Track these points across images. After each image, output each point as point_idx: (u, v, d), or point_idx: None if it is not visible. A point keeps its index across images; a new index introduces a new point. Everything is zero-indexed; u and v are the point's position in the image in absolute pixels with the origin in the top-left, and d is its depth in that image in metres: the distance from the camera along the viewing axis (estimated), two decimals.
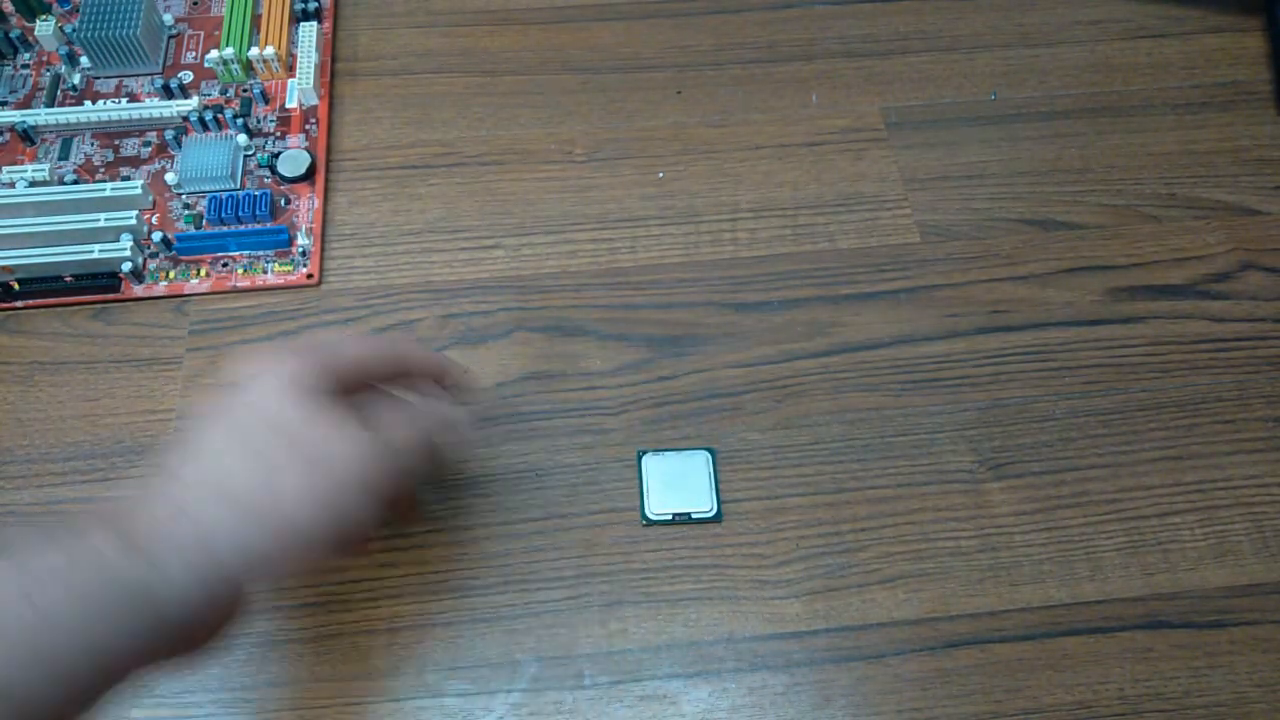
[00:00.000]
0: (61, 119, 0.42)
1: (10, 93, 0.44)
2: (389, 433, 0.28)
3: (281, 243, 0.41)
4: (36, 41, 0.45)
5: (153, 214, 0.41)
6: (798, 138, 0.44)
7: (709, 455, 0.36)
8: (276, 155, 0.42)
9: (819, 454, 0.36)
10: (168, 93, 0.44)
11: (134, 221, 0.40)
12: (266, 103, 0.44)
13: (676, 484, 0.35)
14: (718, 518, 0.35)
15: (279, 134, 0.43)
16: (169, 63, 0.45)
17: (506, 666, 0.32)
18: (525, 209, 0.42)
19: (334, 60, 0.46)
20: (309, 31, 0.45)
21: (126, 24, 0.43)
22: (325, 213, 0.42)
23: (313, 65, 0.45)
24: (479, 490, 0.36)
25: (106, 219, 0.39)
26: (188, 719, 0.32)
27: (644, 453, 0.36)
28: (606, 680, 0.32)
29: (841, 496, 0.35)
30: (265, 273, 0.40)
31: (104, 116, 0.42)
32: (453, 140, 0.44)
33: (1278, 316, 0.39)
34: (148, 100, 0.44)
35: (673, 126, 0.45)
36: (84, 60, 0.44)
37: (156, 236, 0.40)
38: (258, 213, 0.41)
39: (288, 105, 0.44)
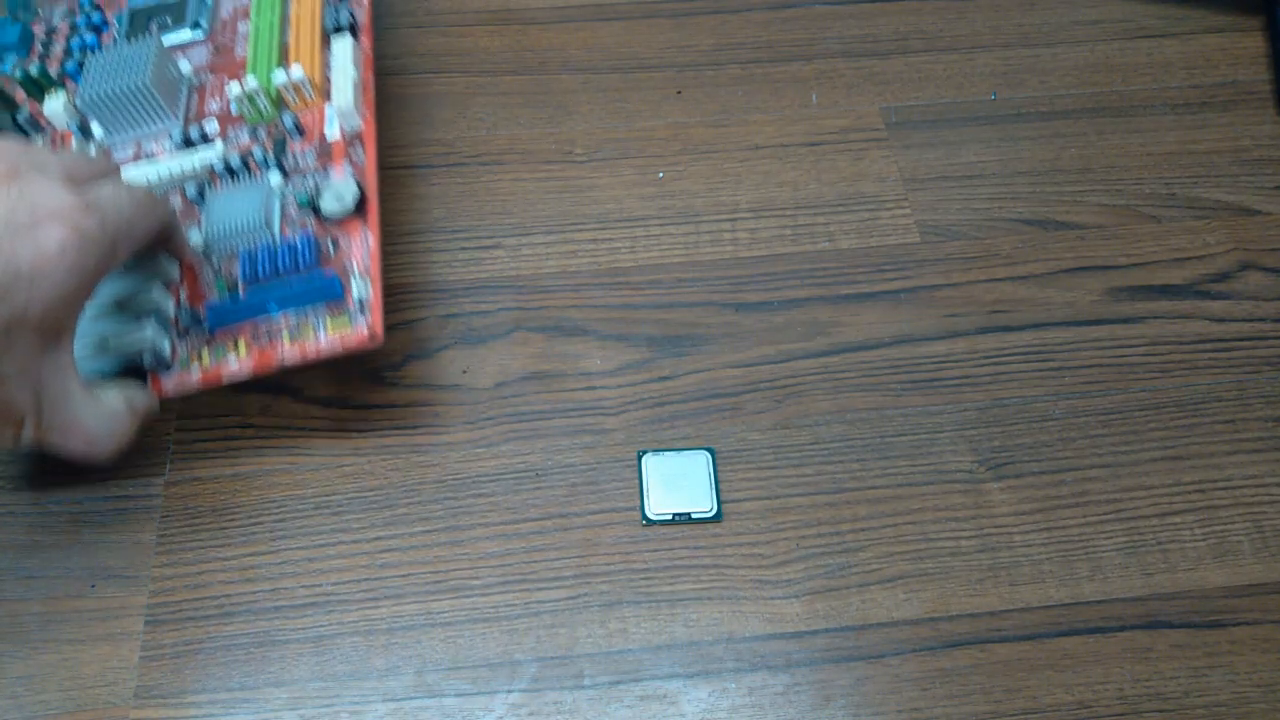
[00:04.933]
0: None
1: None
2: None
3: (333, 293, 0.33)
4: (48, 123, 0.39)
5: (181, 286, 0.35)
6: (797, 138, 0.44)
7: (709, 455, 0.36)
8: (317, 192, 0.35)
9: (819, 454, 0.36)
10: (187, 143, 0.38)
11: (156, 298, 0.33)
12: (302, 135, 0.38)
13: (676, 484, 0.35)
14: (718, 518, 0.35)
15: (320, 168, 0.37)
16: (190, 115, 0.39)
17: (506, 666, 0.32)
18: (525, 209, 0.42)
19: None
20: (343, 46, 0.39)
21: (134, 73, 0.37)
22: (383, 253, 0.36)
23: (351, 82, 0.38)
24: (478, 490, 0.36)
25: (125, 298, 0.34)
26: (187, 719, 0.32)
27: (644, 453, 0.36)
28: (606, 680, 0.32)
29: (841, 496, 0.35)
30: (317, 334, 0.33)
31: None
32: (452, 140, 0.44)
33: (1278, 316, 0.39)
34: (166, 156, 0.38)
35: (672, 126, 0.45)
36: (96, 128, 0.38)
37: (186, 315, 0.34)
38: (300, 262, 0.33)
39: (327, 135, 0.38)
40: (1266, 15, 0.48)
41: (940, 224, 0.42)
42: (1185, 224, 0.42)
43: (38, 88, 0.40)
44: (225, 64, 0.41)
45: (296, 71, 0.37)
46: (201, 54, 0.41)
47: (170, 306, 0.34)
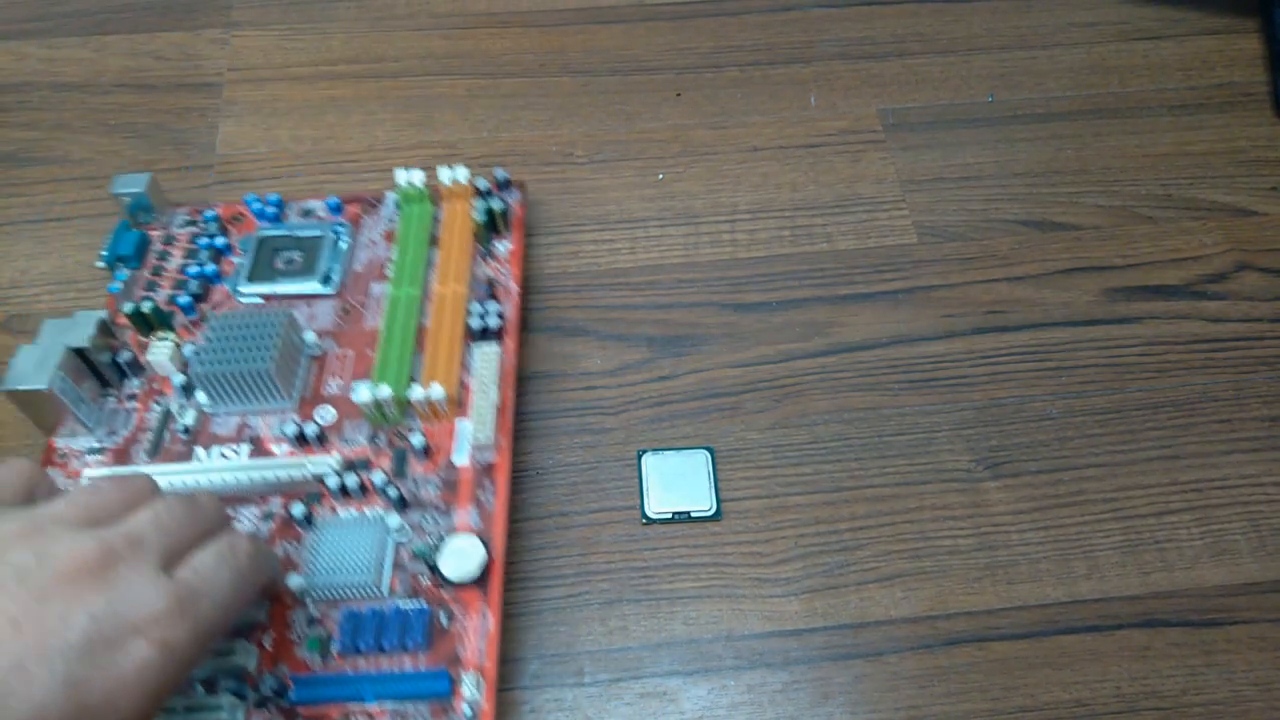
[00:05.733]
0: (163, 480, 0.31)
1: (109, 433, 0.34)
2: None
3: (439, 692, 0.28)
4: (148, 364, 0.35)
5: (265, 632, 0.29)
6: (796, 139, 0.45)
7: (708, 454, 0.36)
8: (437, 545, 0.31)
9: (817, 453, 0.36)
10: (301, 442, 0.33)
11: (238, 659, 0.28)
12: (428, 457, 0.33)
13: (676, 483, 0.36)
14: (717, 516, 0.35)
15: (443, 503, 0.32)
16: (306, 394, 0.34)
17: (507, 663, 0.33)
18: (525, 210, 0.42)
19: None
20: (488, 357, 0.34)
21: (257, 355, 0.32)
22: (503, 642, 0.30)
23: (491, 407, 0.33)
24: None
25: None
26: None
27: (644, 452, 0.36)
28: (606, 677, 0.32)
29: (839, 495, 0.36)
30: None
31: (216, 480, 0.32)
32: (454, 142, 0.44)
33: (1274, 317, 0.40)
34: (276, 451, 0.33)
35: (672, 128, 0.45)
36: (202, 396, 0.34)
37: (269, 682, 0.28)
38: (409, 642, 0.29)
39: (454, 460, 0.33)
40: (1263, 17, 0.48)
41: (937, 225, 0.42)
42: (1181, 225, 0.42)
43: (146, 324, 0.36)
44: (353, 334, 0.36)
45: (436, 391, 0.33)
46: (327, 312, 0.37)
47: (253, 662, 0.29)
